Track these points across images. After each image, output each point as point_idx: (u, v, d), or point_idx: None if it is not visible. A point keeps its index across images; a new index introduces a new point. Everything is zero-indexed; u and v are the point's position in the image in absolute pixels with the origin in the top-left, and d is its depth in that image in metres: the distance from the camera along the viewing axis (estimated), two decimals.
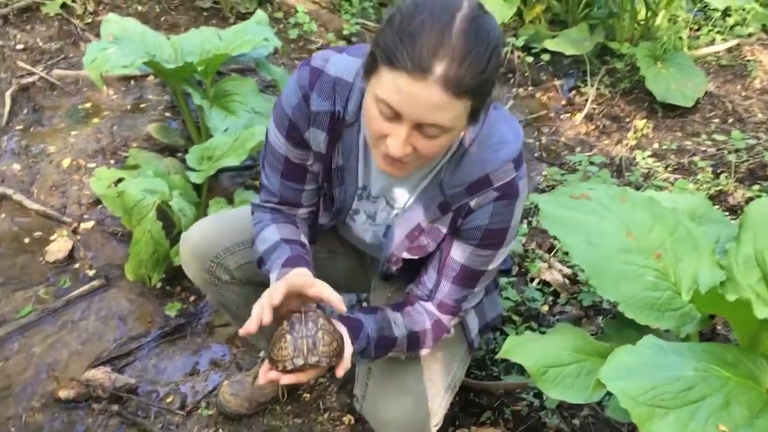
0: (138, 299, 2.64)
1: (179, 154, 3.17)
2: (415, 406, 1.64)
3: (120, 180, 2.69)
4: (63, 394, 2.27)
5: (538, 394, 2.18)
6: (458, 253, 1.52)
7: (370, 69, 1.26)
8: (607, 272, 1.60)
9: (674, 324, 1.58)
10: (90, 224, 2.93)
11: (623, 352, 1.34)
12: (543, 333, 2.36)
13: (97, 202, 2.98)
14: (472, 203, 1.45)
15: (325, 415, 2.21)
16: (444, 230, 1.53)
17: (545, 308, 2.52)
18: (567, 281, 2.61)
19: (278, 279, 1.46)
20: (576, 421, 2.09)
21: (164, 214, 2.61)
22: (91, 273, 2.73)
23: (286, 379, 1.33)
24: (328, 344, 1.33)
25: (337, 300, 1.36)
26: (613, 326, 1.83)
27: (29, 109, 3.53)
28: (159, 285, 2.66)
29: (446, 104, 1.19)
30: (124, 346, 2.47)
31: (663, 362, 1.34)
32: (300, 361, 1.31)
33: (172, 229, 2.58)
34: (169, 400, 2.30)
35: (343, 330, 1.42)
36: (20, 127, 3.43)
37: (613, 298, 1.57)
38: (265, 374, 1.35)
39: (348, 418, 2.20)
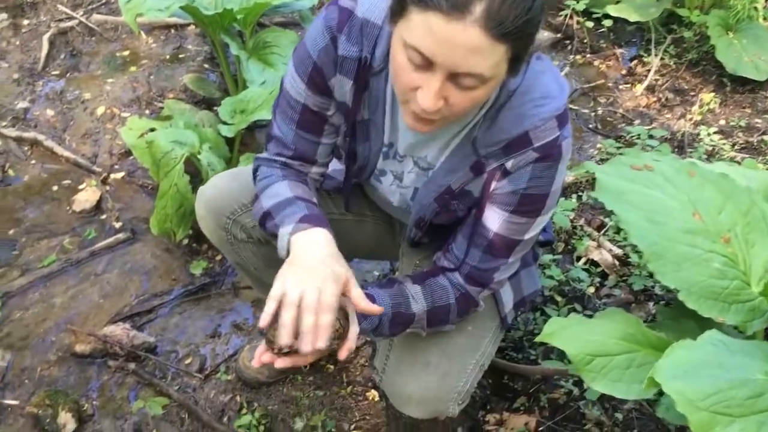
0: (163, 255, 2.55)
1: (216, 108, 3.03)
2: (437, 383, 1.50)
3: (151, 130, 2.57)
4: (79, 348, 2.19)
5: (578, 383, 2.02)
6: (491, 219, 1.36)
7: (397, 11, 1.10)
8: (669, 255, 1.41)
9: (741, 318, 1.39)
10: (120, 175, 2.85)
11: (682, 348, 1.17)
12: (589, 317, 2.18)
13: (129, 152, 2.89)
14: (509, 164, 1.28)
15: (348, 389, 2.09)
16: (476, 194, 1.37)
17: (591, 290, 2.34)
18: (617, 262, 2.41)
19: (294, 234, 1.32)
20: (618, 415, 1.92)
21: (193, 167, 2.49)
22: (117, 225, 2.64)
23: (281, 363, 1.21)
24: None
25: (367, 306, 1.25)
26: (669, 315, 1.64)
27: (66, 54, 3.44)
28: (185, 242, 2.56)
29: (486, 49, 1.04)
30: (146, 303, 2.38)
31: (728, 362, 1.17)
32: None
33: (200, 184, 2.45)
34: (187, 361, 2.20)
35: (350, 308, 1.28)
36: (56, 72, 3.35)
37: (673, 284, 1.39)
38: (260, 356, 1.22)
39: (372, 394, 2.07)
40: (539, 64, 1.27)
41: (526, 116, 1.25)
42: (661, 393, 1.31)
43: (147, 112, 3.14)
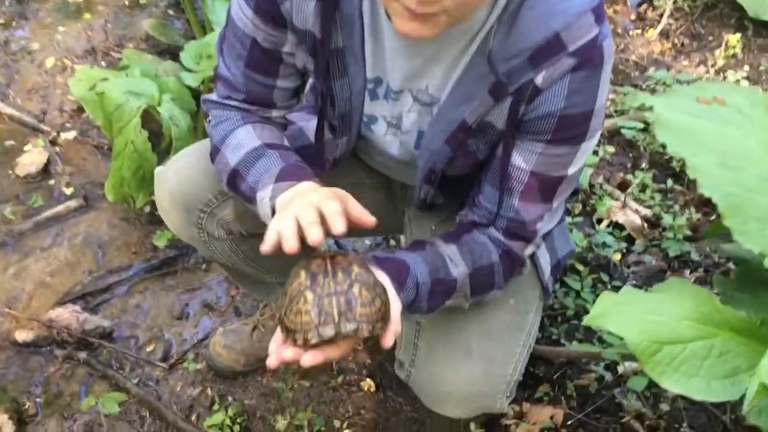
0: (121, 225, 2.21)
1: None
2: (483, 373, 1.22)
3: (104, 81, 2.21)
4: (20, 336, 1.86)
5: (610, 366, 1.71)
6: (523, 156, 1.09)
7: None
8: (750, 209, 1.10)
9: None
10: (71, 135, 2.50)
11: None
12: (618, 288, 1.87)
13: (82, 109, 2.54)
14: (539, 79, 1.01)
15: (339, 379, 1.77)
16: (500, 126, 1.08)
17: (617, 257, 2.02)
18: (645, 224, 2.10)
19: (274, 198, 1.05)
20: (664, 406, 1.61)
21: (153, 122, 2.14)
22: (68, 191, 2.30)
23: (311, 358, 0.91)
24: (368, 303, 0.90)
25: (368, 219, 0.98)
26: (732, 287, 1.33)
27: None
28: (147, 209, 2.22)
29: None
30: (101, 281, 2.05)
31: None
32: (329, 331, 0.88)
33: (160, 142, 2.11)
34: (149, 348, 1.88)
35: (384, 279, 1.00)
36: (0, 20, 2.95)
37: (759, 247, 1.08)
38: (279, 352, 0.93)
39: (367, 383, 1.76)
40: None
41: (553, 13, 0.97)
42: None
43: (103, 64, 2.78)
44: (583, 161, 1.12)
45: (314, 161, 1.23)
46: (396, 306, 0.98)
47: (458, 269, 1.13)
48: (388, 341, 0.94)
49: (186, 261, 2.12)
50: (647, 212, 2.13)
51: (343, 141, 1.24)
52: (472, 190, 1.21)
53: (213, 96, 1.23)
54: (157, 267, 2.10)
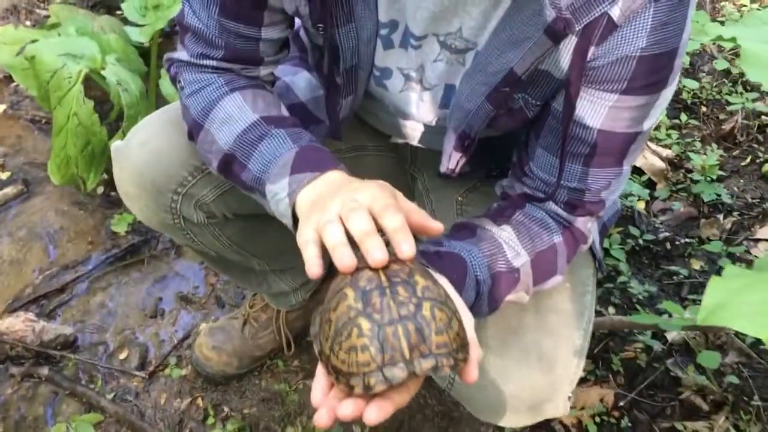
0: (72, 211, 1.93)
1: (120, 12, 2.34)
2: (544, 377, 1.01)
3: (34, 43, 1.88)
4: None
5: (657, 334, 1.51)
6: (590, 111, 0.88)
7: None
8: None
9: None
10: (0, 108, 2.15)
11: None
12: (651, 242, 1.67)
13: (11, 78, 2.21)
14: (615, 12, 0.81)
15: None
16: (559, 74, 0.88)
17: (641, 205, 1.81)
18: (668, 167, 1.89)
19: (294, 194, 0.82)
20: (731, 378, 1.42)
21: (98, 88, 1.85)
22: (3, 176, 2.02)
23: (376, 415, 0.66)
24: (444, 328, 0.67)
25: (434, 226, 0.76)
26: None
27: None
28: (100, 190, 1.94)
29: None
30: (55, 280, 1.77)
31: None
32: (399, 373, 0.64)
33: (108, 111, 1.81)
34: (122, 356, 1.62)
35: (444, 283, 0.78)
36: None
37: None
38: (332, 406, 0.68)
39: None
40: None
41: None
42: None
43: (28, 23, 2.45)
44: (659, 112, 0.92)
45: (310, 125, 1.03)
46: (470, 322, 0.75)
47: (520, 259, 0.92)
48: (472, 374, 0.70)
49: (153, 247, 1.85)
50: (668, 153, 1.92)
51: (348, 101, 1.03)
52: (516, 155, 1.00)
53: (181, 54, 0.99)
54: (120, 257, 1.83)
